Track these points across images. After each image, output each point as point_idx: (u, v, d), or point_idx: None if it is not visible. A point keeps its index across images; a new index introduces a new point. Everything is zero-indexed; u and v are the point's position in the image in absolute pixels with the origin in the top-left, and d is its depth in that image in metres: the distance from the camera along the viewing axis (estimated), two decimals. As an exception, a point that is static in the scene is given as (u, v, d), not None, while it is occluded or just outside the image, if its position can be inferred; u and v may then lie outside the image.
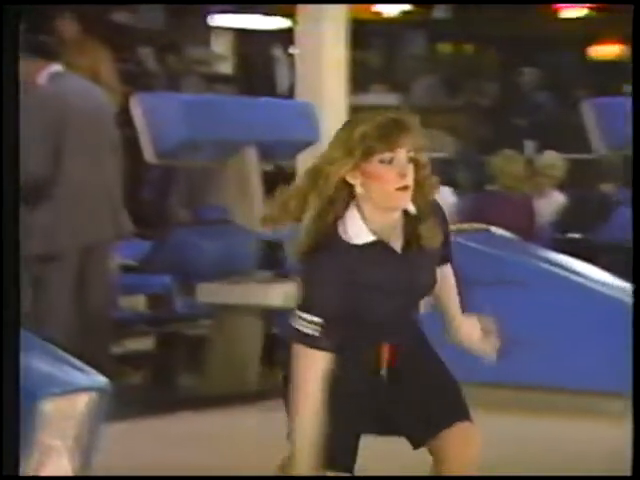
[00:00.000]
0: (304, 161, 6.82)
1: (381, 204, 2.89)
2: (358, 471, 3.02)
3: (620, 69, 12.59)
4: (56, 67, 5.45)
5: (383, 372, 2.98)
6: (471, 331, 3.08)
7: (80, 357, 3.00)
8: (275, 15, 11.70)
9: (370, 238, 2.90)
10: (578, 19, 13.65)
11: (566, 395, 5.56)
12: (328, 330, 2.86)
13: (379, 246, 2.91)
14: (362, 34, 9.15)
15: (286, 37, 10.30)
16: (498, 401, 5.42)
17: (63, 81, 5.41)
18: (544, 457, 4.83)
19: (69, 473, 2.82)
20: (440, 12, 13.42)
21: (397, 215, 2.93)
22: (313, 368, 2.86)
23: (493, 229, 6.32)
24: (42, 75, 5.40)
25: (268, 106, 6.80)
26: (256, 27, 12.21)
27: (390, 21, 13.28)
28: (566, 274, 5.79)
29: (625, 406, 5.47)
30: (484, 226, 6.25)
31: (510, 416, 5.31)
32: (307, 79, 6.90)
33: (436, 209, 2.98)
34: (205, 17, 11.42)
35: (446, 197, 7.75)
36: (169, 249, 6.36)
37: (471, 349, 3.09)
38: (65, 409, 2.80)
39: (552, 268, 5.83)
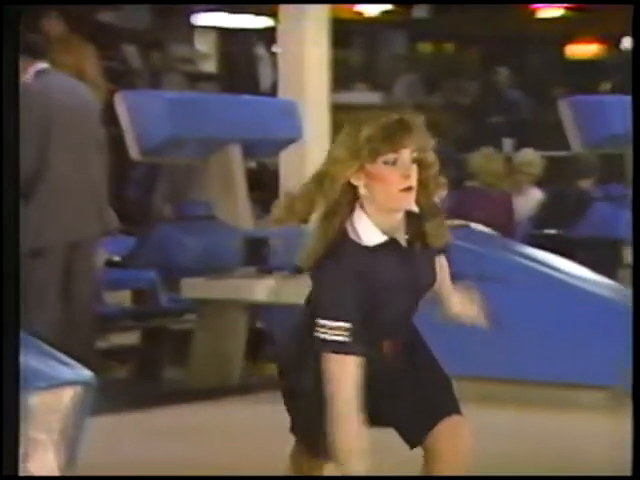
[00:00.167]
0: (287, 158, 6.89)
1: (385, 205, 2.89)
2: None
3: (597, 68, 12.71)
4: (42, 65, 5.44)
5: (383, 367, 2.98)
6: (462, 302, 3.12)
7: (66, 351, 2.99)
8: (258, 14, 11.73)
9: (382, 239, 2.90)
10: (556, 19, 13.75)
11: (546, 388, 5.59)
12: (356, 333, 2.84)
13: (390, 246, 2.91)
14: (344, 33, 9.21)
15: (269, 36, 10.33)
16: (478, 394, 5.48)
17: (49, 79, 5.40)
18: (523, 448, 4.85)
19: (54, 467, 2.82)
20: (420, 12, 13.49)
21: (400, 215, 2.93)
22: (349, 374, 2.83)
23: (473, 225, 6.36)
24: (28, 73, 5.43)
25: (251, 104, 6.81)
26: (239, 26, 12.19)
27: (371, 21, 13.33)
28: (544, 269, 5.81)
29: (606, 398, 5.58)
30: (464, 222, 6.30)
31: (490, 409, 5.36)
32: (290, 77, 6.92)
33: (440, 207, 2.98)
34: (189, 16, 11.41)
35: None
36: (154, 245, 6.36)
37: (465, 319, 3.13)
38: (51, 403, 2.80)
39: (531, 263, 5.85)
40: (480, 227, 6.40)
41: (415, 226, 2.96)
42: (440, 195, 2.99)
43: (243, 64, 11.83)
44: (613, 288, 5.98)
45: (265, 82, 11.29)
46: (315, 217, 2.89)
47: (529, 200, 8.27)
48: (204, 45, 11.82)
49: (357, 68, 13.48)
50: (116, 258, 6.45)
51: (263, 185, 7.78)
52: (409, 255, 2.94)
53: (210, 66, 11.80)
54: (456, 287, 3.16)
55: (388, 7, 13.25)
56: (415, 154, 2.89)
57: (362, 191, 2.89)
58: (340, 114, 7.19)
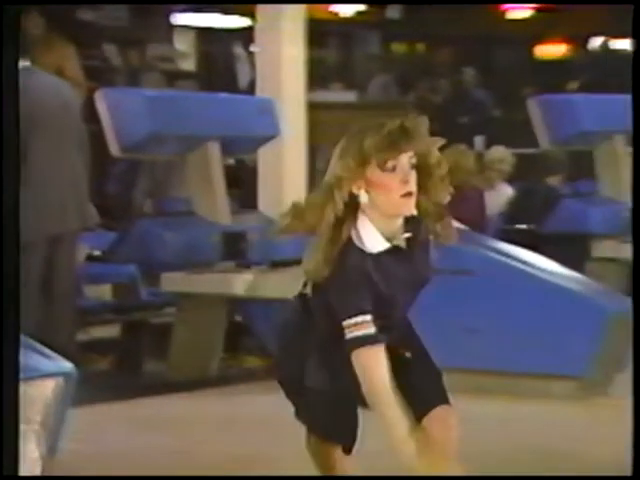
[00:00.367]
0: (265, 155, 6.98)
1: (386, 212, 2.92)
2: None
3: (565, 68, 12.87)
4: (23, 63, 5.47)
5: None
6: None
7: (47, 344, 3.06)
8: (236, 14, 11.79)
9: (385, 246, 2.94)
10: (525, 19, 13.90)
11: (518, 379, 5.65)
12: (377, 323, 2.89)
13: (394, 252, 2.96)
14: (319, 33, 9.29)
15: (246, 35, 10.33)
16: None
17: (30, 77, 5.42)
18: (495, 435, 4.93)
19: (36, 456, 2.88)
20: (393, 12, 13.60)
21: (401, 219, 2.97)
22: (380, 364, 2.89)
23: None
24: (9, 71, 5.48)
25: (229, 102, 6.79)
26: (217, 26, 12.18)
27: (346, 21, 13.42)
28: (514, 263, 5.86)
29: (575, 388, 5.71)
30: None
31: (464, 399, 5.46)
32: (267, 76, 6.89)
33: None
34: (168, 16, 11.41)
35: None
36: (134, 240, 6.33)
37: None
38: (32, 394, 2.87)
39: (502, 258, 5.91)
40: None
41: (414, 227, 2.99)
42: (447, 194, 3.00)
43: (221, 63, 11.87)
44: (581, 281, 6.11)
45: (243, 80, 11.31)
46: (324, 225, 2.90)
47: (500, 196, 8.34)
48: (183, 44, 11.79)
49: (333, 67, 13.55)
50: (97, 252, 6.44)
51: (241, 181, 7.87)
52: (409, 256, 2.99)
53: (189, 65, 11.78)
54: None
55: (362, 7, 13.36)
56: (414, 160, 2.90)
57: (363, 199, 2.91)
58: (316, 112, 7.31)
